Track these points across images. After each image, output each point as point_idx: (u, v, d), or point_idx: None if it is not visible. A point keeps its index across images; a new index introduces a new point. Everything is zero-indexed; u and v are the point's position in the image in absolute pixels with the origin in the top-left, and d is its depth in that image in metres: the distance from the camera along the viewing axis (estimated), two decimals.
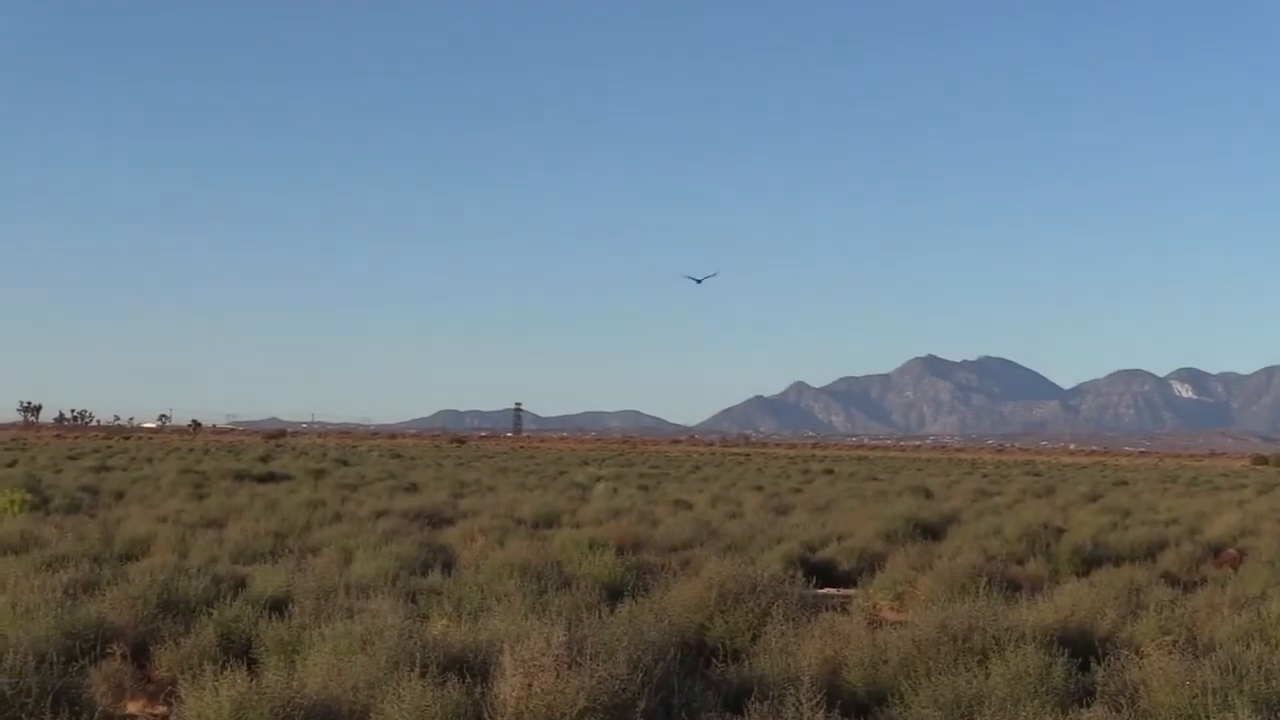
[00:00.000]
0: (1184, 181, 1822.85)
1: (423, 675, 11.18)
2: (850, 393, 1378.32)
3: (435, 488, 46.81)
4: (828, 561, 25.02)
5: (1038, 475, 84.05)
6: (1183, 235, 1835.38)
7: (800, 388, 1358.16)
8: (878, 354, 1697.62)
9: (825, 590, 21.18)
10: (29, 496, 32.08)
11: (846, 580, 23.45)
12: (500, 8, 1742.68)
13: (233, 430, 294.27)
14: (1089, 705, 11.78)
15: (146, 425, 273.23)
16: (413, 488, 46.88)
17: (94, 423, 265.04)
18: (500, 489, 47.42)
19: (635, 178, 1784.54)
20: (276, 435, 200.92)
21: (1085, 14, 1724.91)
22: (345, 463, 74.55)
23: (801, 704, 11.05)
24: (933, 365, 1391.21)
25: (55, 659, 11.94)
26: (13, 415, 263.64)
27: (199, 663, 12.83)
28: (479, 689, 11.10)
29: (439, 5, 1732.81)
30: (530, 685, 10.91)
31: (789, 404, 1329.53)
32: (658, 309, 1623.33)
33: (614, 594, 17.43)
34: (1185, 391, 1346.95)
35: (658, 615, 14.95)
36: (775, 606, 15.29)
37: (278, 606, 15.57)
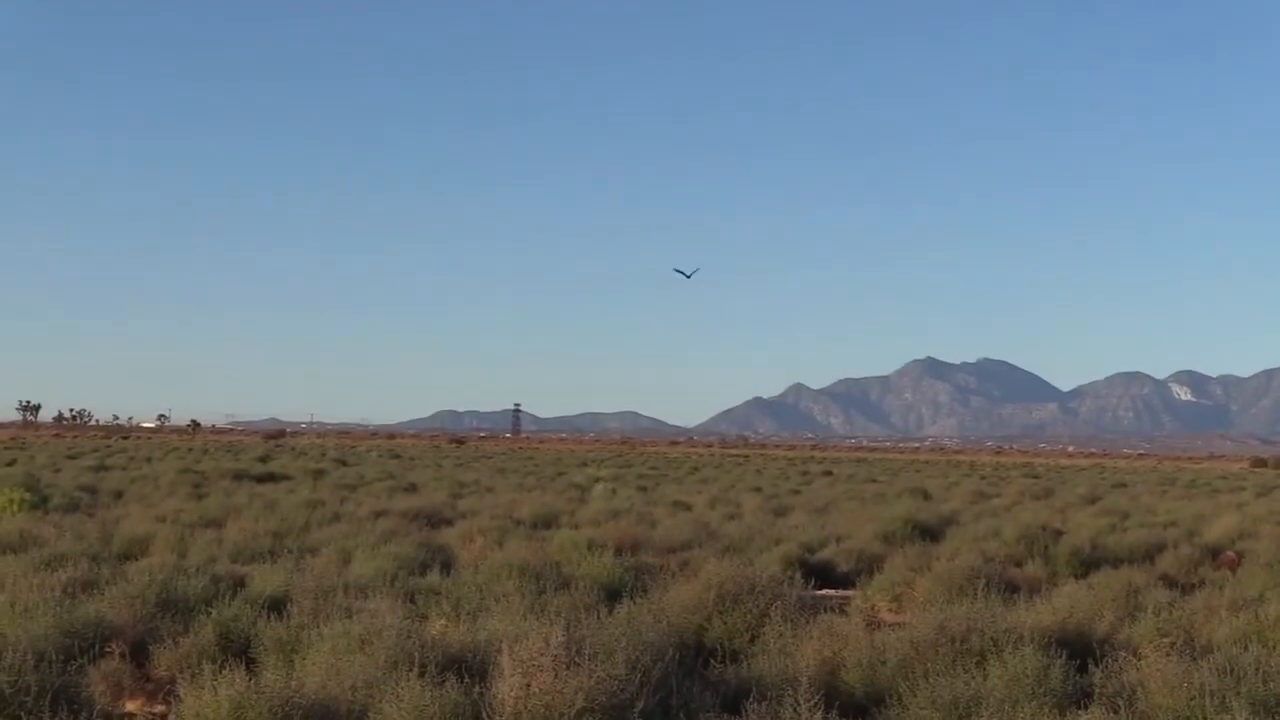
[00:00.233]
0: (1183, 183, 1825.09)
1: (421, 675, 11.19)
2: (849, 394, 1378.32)
3: (434, 488, 46.82)
4: (826, 563, 25.04)
5: (1036, 477, 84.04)
6: (1182, 237, 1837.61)
7: (799, 389, 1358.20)
8: (877, 356, 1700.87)
9: (824, 591, 21.18)
10: (28, 496, 32.09)
11: (845, 582, 23.46)
12: (500, 8, 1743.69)
13: (232, 430, 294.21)
14: (1087, 707, 11.79)
15: (145, 425, 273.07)
16: (412, 488, 46.88)
17: (93, 422, 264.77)
18: (499, 489, 47.41)
19: (635, 178, 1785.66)
20: (275, 435, 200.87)
21: (1085, 14, 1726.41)
22: (344, 463, 74.55)
23: (800, 705, 11.06)
24: (932, 367, 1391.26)
25: (54, 658, 11.95)
26: (12, 414, 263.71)
27: (198, 662, 12.84)
28: (477, 689, 11.10)
29: (439, 5, 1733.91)
30: (529, 685, 10.92)
31: (788, 405, 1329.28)
32: (657, 310, 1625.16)
33: (612, 595, 17.43)
34: (1184, 394, 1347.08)
35: (656, 616, 14.96)
36: (774, 607, 15.30)
37: (276, 606, 15.57)
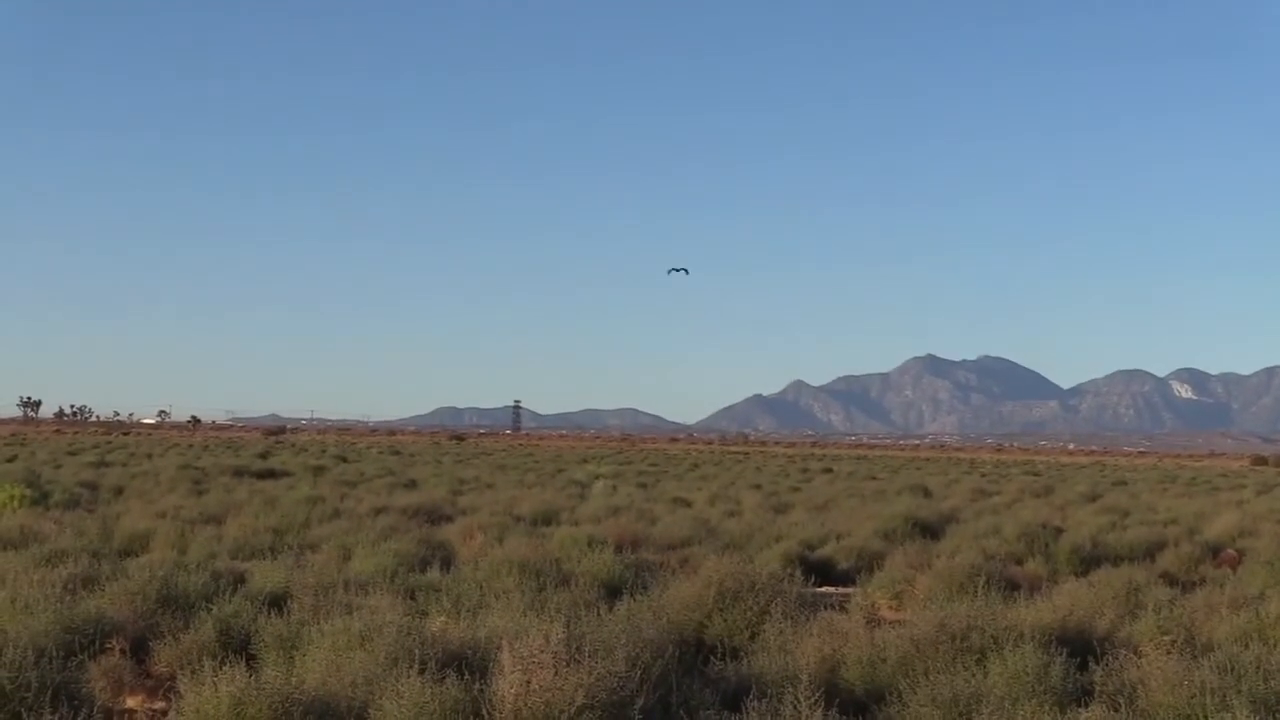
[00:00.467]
0: (1184, 181, 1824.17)
1: (421, 672, 11.18)
2: (849, 392, 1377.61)
3: (434, 485, 46.85)
4: (826, 560, 25.03)
5: (1037, 475, 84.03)
6: (1183, 235, 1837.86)
7: (799, 386, 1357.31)
8: (877, 353, 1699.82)
9: (824, 589, 21.17)
10: (28, 492, 32.11)
11: (845, 579, 23.46)
12: (500, 8, 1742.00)
13: (232, 426, 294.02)
14: (1087, 705, 11.78)
15: (146, 421, 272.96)
16: (412, 485, 46.92)
17: (93, 418, 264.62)
18: (499, 486, 47.42)
19: (635, 176, 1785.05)
20: (276, 432, 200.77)
21: (1085, 14, 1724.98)
22: (344, 459, 74.61)
23: (800, 702, 11.05)
24: (932, 364, 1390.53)
25: (55, 654, 11.95)
26: (12, 410, 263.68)
27: (198, 658, 12.84)
28: (477, 686, 11.10)
29: (439, 5, 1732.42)
30: (529, 682, 10.92)
31: (788, 403, 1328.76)
32: (657, 307, 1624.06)
33: (612, 591, 17.44)
34: (1185, 392, 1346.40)
35: (656, 613, 14.95)
36: (774, 605, 15.30)
37: (277, 602, 15.59)
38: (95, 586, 16.23)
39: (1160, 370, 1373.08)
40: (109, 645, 13.86)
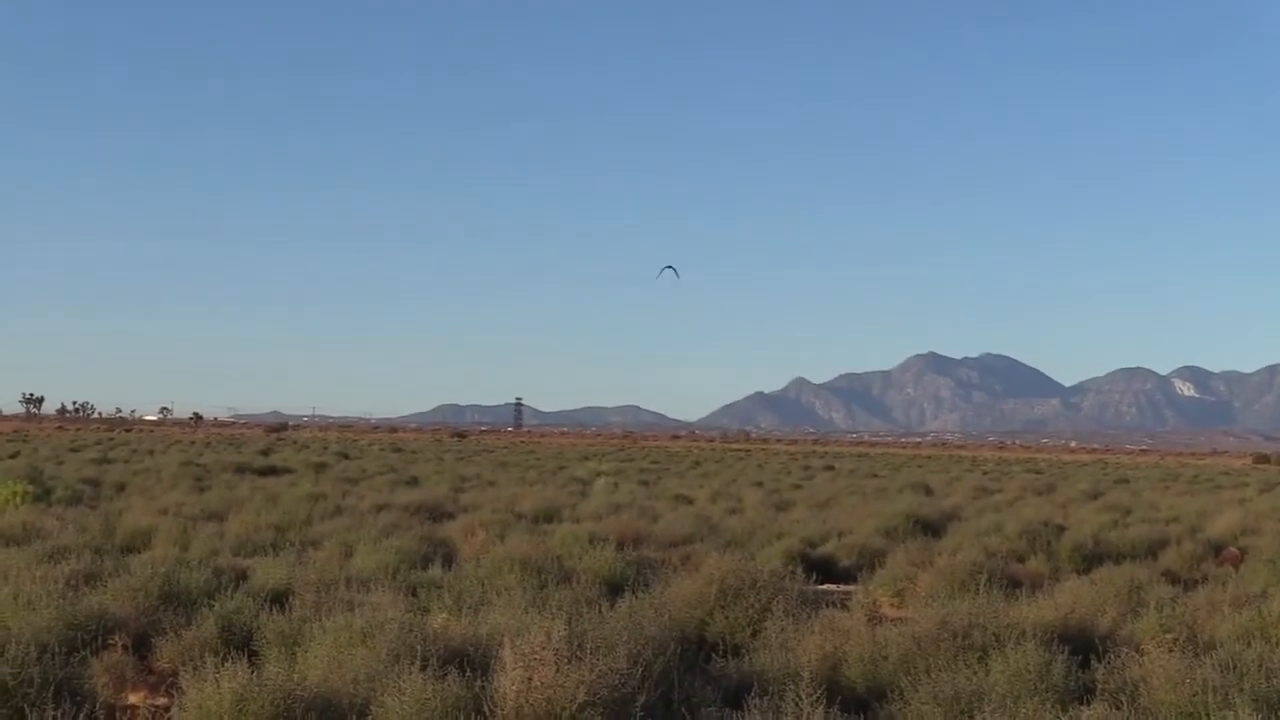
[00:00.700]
0: (1186, 179, 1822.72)
1: (423, 668, 11.19)
2: (851, 389, 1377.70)
3: (436, 482, 46.87)
4: (828, 558, 25.04)
5: (1038, 473, 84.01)
6: (1185, 233, 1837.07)
7: (801, 384, 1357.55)
8: (879, 350, 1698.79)
9: (825, 586, 21.19)
10: (31, 488, 32.13)
11: (847, 576, 23.47)
12: (500, 8, 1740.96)
13: (234, 423, 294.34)
14: (1089, 703, 11.78)
15: (148, 418, 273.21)
16: (413, 482, 46.94)
17: (95, 415, 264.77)
18: (501, 484, 47.43)
19: (635, 177, 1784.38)
20: (278, 429, 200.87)
21: (1085, 14, 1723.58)
22: (346, 456, 74.65)
23: (801, 699, 11.05)
24: (934, 362, 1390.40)
25: (57, 650, 11.96)
26: (15, 407, 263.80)
27: (200, 654, 12.85)
28: (479, 682, 11.10)
29: (439, 5, 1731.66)
30: (530, 679, 10.92)
31: (790, 400, 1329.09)
32: (658, 305, 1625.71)
33: (614, 589, 17.44)
34: (1187, 390, 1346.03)
35: (658, 610, 14.95)
36: (775, 602, 15.30)
37: (279, 599, 15.60)
38: (97, 583, 16.24)
39: (1162, 368, 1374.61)
40: (111, 641, 13.87)
